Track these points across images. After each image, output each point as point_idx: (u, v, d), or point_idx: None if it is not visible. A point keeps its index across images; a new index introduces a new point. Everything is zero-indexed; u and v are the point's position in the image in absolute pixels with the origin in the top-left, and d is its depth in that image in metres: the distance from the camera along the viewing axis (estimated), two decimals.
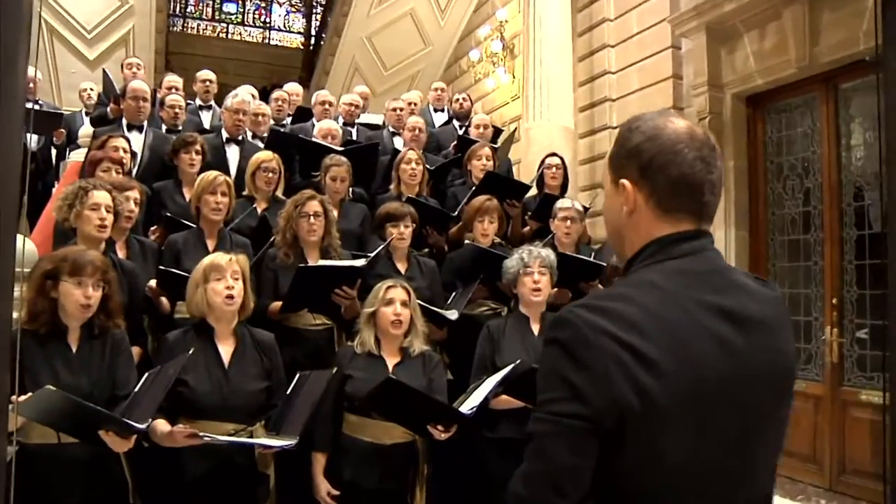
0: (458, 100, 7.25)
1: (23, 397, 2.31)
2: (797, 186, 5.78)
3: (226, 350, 2.96)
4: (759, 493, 1.25)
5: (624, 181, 1.28)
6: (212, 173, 4.02)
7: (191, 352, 2.70)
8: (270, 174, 4.58)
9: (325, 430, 3.09)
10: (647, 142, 1.25)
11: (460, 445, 3.26)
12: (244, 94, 5.60)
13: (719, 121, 6.21)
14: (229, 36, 16.21)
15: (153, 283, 3.56)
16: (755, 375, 1.19)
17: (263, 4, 16.56)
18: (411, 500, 3.08)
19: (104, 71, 6.75)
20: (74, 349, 2.68)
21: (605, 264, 4.12)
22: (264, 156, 4.65)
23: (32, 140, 6.48)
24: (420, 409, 2.87)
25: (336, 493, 3.03)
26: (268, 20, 16.57)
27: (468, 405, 2.91)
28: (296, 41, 16.56)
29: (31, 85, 6.68)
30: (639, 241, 1.29)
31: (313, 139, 5.49)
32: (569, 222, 4.47)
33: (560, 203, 4.63)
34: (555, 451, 1.12)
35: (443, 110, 7.49)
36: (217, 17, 16.12)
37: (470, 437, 3.30)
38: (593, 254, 4.61)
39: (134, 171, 4.81)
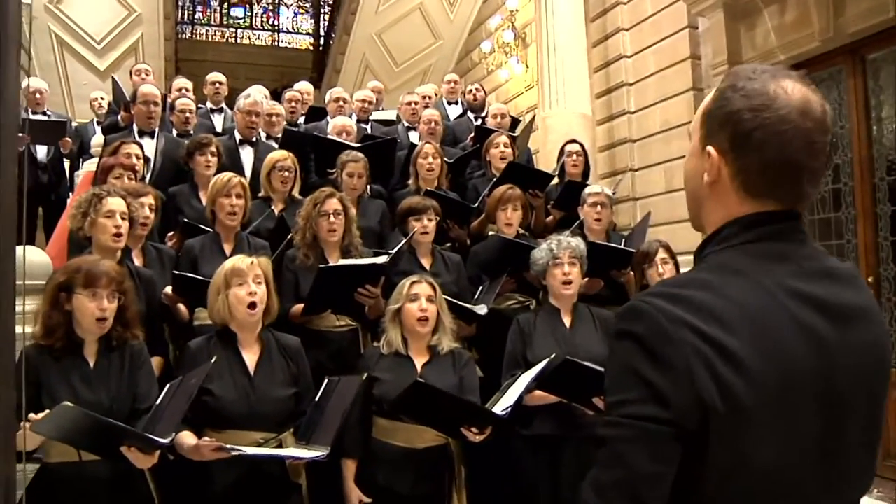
0: (471, 91, 7.12)
1: (40, 415, 2.21)
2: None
3: (250, 357, 2.85)
4: (852, 499, 1.12)
5: (711, 148, 1.12)
6: (225, 175, 3.91)
7: (213, 360, 2.59)
8: (286, 173, 4.48)
9: (354, 436, 2.98)
10: (748, 111, 1.08)
11: (493, 444, 3.14)
12: (256, 95, 5.50)
13: None
14: (238, 41, 16.16)
15: (169, 289, 3.46)
16: (851, 373, 1.06)
17: (271, 7, 16.50)
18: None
19: (113, 79, 6.70)
20: (92, 363, 2.58)
21: (635, 251, 3.99)
22: (279, 155, 4.55)
23: (41, 151, 6.45)
24: (451, 412, 2.76)
25: (368, 500, 2.92)
26: (276, 23, 16.50)
27: (502, 405, 2.79)
28: (305, 42, 16.49)
29: (39, 96, 6.67)
30: (718, 218, 1.15)
31: (328, 136, 5.39)
32: (599, 208, 4.35)
33: (589, 189, 4.51)
34: (634, 458, 1.00)
35: (457, 103, 7.37)
36: (225, 23, 16.08)
37: (503, 435, 3.19)
38: (623, 240, 4.48)
39: (147, 177, 4.73)
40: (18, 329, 2.94)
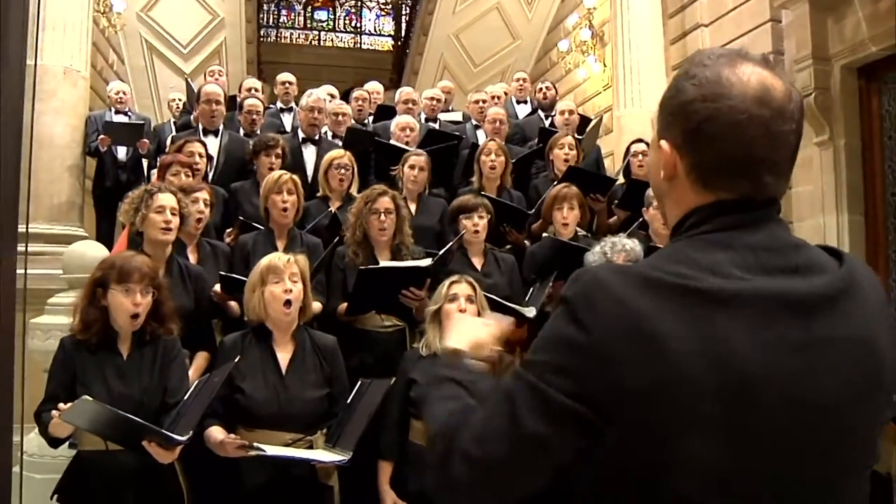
0: (541, 89, 6.97)
1: (67, 405, 2.25)
2: None
3: (284, 356, 2.82)
4: None
5: (664, 143, 1.04)
6: (277, 173, 3.94)
7: (237, 360, 2.58)
8: (343, 171, 4.47)
9: (391, 438, 2.92)
10: (700, 101, 0.99)
11: None
12: (319, 93, 5.53)
13: (827, 96, 5.67)
14: (321, 43, 16.43)
15: (217, 288, 3.48)
16: (827, 374, 0.93)
17: (354, 10, 16.71)
18: None
19: (187, 80, 6.90)
20: (125, 356, 2.60)
21: None
22: (336, 153, 4.55)
23: (121, 151, 6.69)
24: None
25: None
26: (358, 25, 16.71)
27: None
28: (387, 44, 16.64)
29: (123, 97, 6.92)
30: (679, 210, 1.06)
31: (391, 141, 5.37)
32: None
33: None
34: (527, 419, 0.95)
35: (526, 101, 7.26)
36: (309, 26, 16.38)
37: None
38: None
39: (210, 175, 4.80)
40: (66, 320, 3.01)
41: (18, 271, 1.53)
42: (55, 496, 2.57)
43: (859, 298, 0.98)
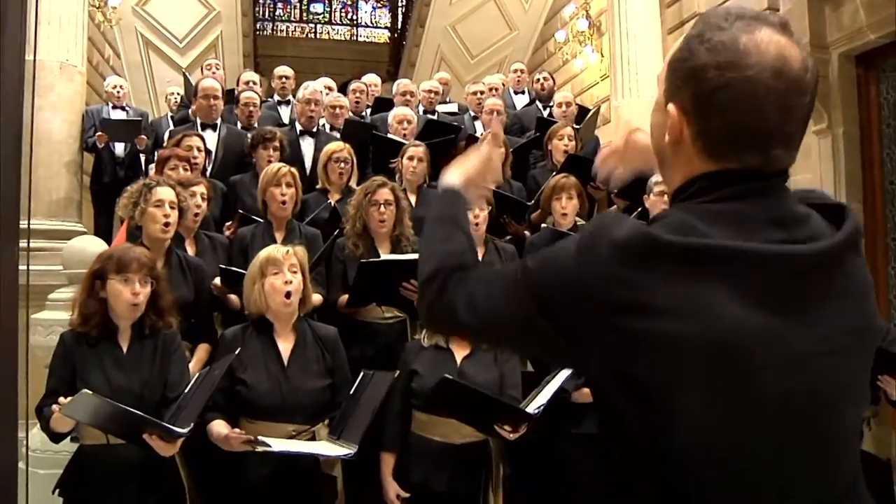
0: (538, 80, 6.97)
1: (67, 399, 2.25)
2: None
3: (285, 347, 2.83)
4: (843, 472, 0.99)
5: (671, 107, 1.00)
6: (275, 165, 3.94)
7: (237, 352, 2.59)
8: (342, 164, 4.47)
9: (393, 429, 2.92)
10: (714, 67, 0.94)
11: (541, 443, 3.03)
12: (316, 85, 5.52)
13: (825, 84, 5.65)
14: (318, 36, 16.35)
15: (217, 281, 3.48)
16: (819, 341, 0.93)
17: (350, 2, 16.64)
18: (485, 502, 2.87)
19: (184, 74, 6.88)
20: (125, 349, 2.60)
21: None
22: (335, 146, 4.54)
23: (118, 147, 6.68)
24: (483, 409, 2.66)
25: (406, 495, 2.85)
26: (355, 17, 16.62)
27: (535, 403, 2.67)
28: (383, 36, 16.57)
29: (119, 91, 6.91)
30: (681, 175, 1.04)
31: (389, 133, 5.37)
32: (666, 197, 4.13)
33: (656, 177, 4.30)
34: (512, 308, 1.05)
35: (523, 92, 7.25)
36: (305, 18, 16.31)
37: (551, 434, 3.07)
38: None
39: (209, 169, 4.80)
40: (66, 315, 3.01)
41: (21, 267, 1.53)
42: (57, 490, 2.57)
43: (854, 260, 0.99)
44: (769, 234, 0.94)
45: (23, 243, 1.58)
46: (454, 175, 1.34)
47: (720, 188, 0.98)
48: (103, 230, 6.41)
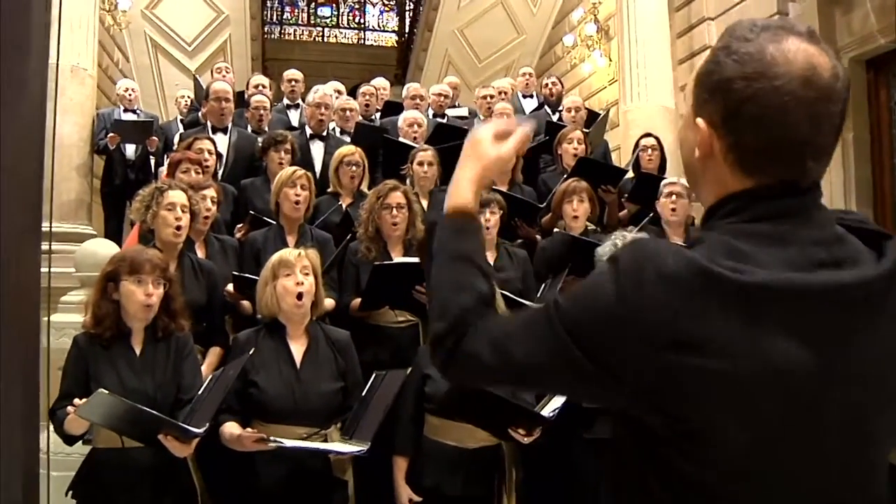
0: (547, 84, 6.97)
1: (83, 400, 2.26)
2: None
3: (298, 350, 2.83)
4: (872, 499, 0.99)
5: (700, 121, 0.99)
6: (290, 168, 3.95)
7: (251, 352, 2.59)
8: (354, 168, 4.47)
9: (406, 433, 2.91)
10: (741, 79, 0.93)
11: (553, 447, 3.02)
12: (326, 89, 5.54)
13: None
14: (325, 39, 16.42)
15: (230, 287, 3.49)
16: (864, 364, 0.92)
17: (357, 6, 16.69)
18: None
19: (195, 77, 6.90)
20: (138, 352, 2.61)
21: None
22: (347, 150, 4.55)
23: (129, 149, 6.70)
24: (497, 412, 2.65)
25: (418, 499, 2.85)
26: (362, 21, 16.68)
27: (550, 407, 2.67)
28: (391, 39, 16.61)
29: (131, 94, 6.94)
30: (714, 192, 1.02)
31: (399, 136, 5.37)
32: (674, 197, 4.12)
33: (666, 179, 4.31)
34: (537, 355, 1.00)
35: (532, 96, 7.25)
36: (313, 22, 16.37)
37: (563, 438, 3.06)
38: None
39: (220, 173, 4.81)
40: (78, 318, 3.02)
41: (43, 270, 1.54)
42: (69, 493, 2.58)
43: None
44: (811, 254, 0.93)
45: (44, 245, 1.59)
46: (465, 187, 1.20)
47: (756, 206, 0.96)
48: (113, 233, 6.44)
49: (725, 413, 0.90)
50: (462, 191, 1.20)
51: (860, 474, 0.97)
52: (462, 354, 1.06)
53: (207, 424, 2.35)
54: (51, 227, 1.84)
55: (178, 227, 3.23)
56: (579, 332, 0.95)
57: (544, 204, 4.60)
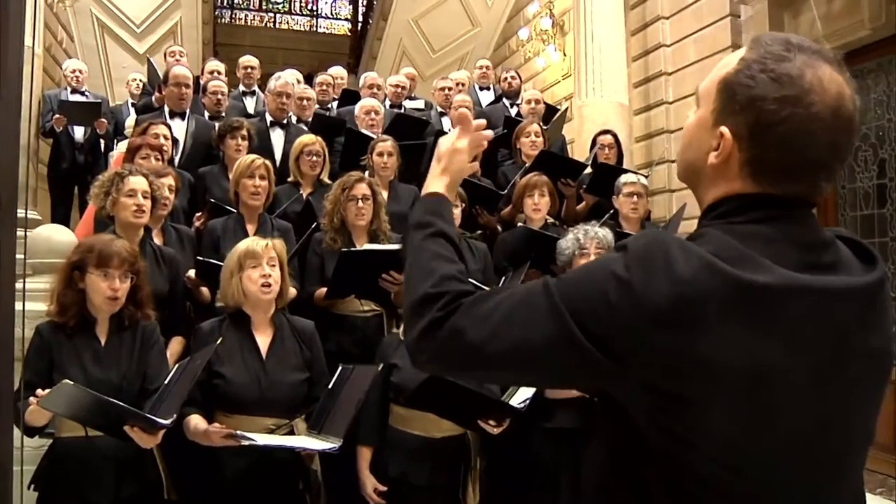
0: (505, 78, 7.01)
1: (46, 391, 2.20)
2: (870, 158, 5.40)
3: (263, 340, 2.81)
4: (846, 492, 1.04)
5: (725, 130, 1.01)
6: (249, 157, 3.90)
7: (219, 342, 2.55)
8: (315, 158, 4.45)
9: (371, 423, 2.92)
10: (778, 101, 0.95)
11: (514, 437, 3.07)
12: (287, 77, 5.47)
13: None
14: (277, 25, 16.21)
15: (192, 273, 3.44)
16: (846, 366, 0.98)
17: None
18: (464, 496, 2.90)
19: (149, 60, 6.74)
20: (103, 342, 2.56)
21: None
22: (307, 139, 4.52)
23: (78, 132, 6.52)
24: (468, 404, 2.68)
25: (383, 488, 2.87)
26: (315, 8, 16.51)
27: (519, 397, 2.71)
28: (343, 28, 16.48)
29: (79, 75, 6.74)
30: (717, 192, 1.06)
31: (357, 124, 5.36)
32: (635, 198, 4.22)
33: (624, 178, 4.38)
34: (536, 336, 0.98)
35: (489, 88, 7.30)
36: (264, 7, 16.13)
37: (523, 428, 3.11)
38: None
39: (177, 159, 4.73)
40: (30, 306, 2.94)
41: (18, 256, 1.50)
42: (31, 486, 2.52)
43: (885, 298, 1.03)
44: (800, 257, 0.98)
45: (20, 232, 1.56)
46: (437, 181, 1.26)
47: (757, 209, 1.01)
48: (61, 219, 6.26)
49: (716, 404, 0.94)
50: (433, 185, 1.26)
51: (844, 471, 1.02)
52: (443, 327, 1.04)
53: (175, 416, 2.31)
54: (27, 213, 1.79)
55: (140, 214, 3.17)
56: (583, 314, 0.96)
57: (505, 192, 4.65)
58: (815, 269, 0.97)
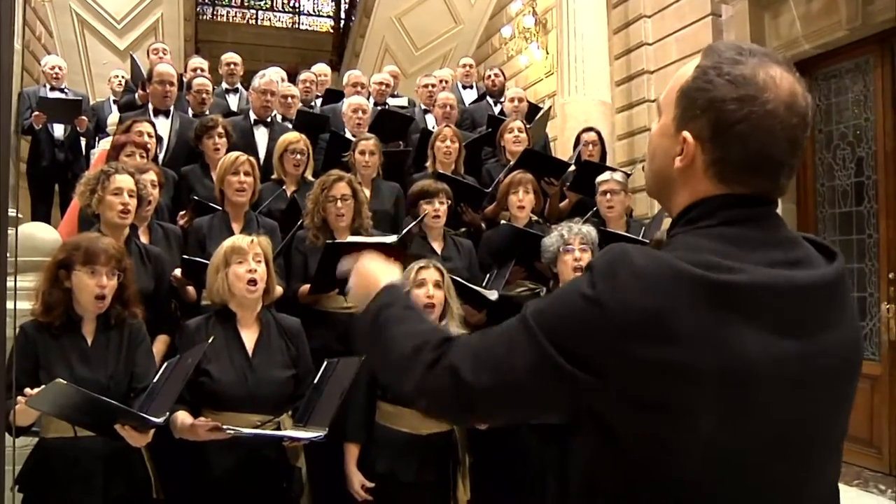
0: (489, 76, 7.04)
1: (35, 390, 2.19)
2: (848, 156, 5.48)
3: (249, 337, 2.82)
4: (824, 485, 1.08)
5: (687, 134, 1.05)
6: (233, 154, 3.89)
7: (211, 340, 2.56)
8: (298, 156, 4.46)
9: (358, 420, 2.94)
10: (735, 101, 1.00)
11: (501, 433, 3.10)
12: (272, 75, 5.46)
13: None
14: (259, 22, 16.12)
15: (178, 272, 3.44)
16: (816, 357, 1.00)
17: None
18: (453, 492, 2.92)
19: (132, 57, 6.69)
20: (90, 341, 2.55)
21: (649, 241, 3.91)
22: (291, 137, 4.52)
23: (58, 129, 6.46)
24: None
25: (370, 485, 2.88)
26: (297, 5, 16.43)
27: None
28: (325, 25, 16.43)
29: (58, 72, 6.68)
30: (686, 198, 1.09)
31: (343, 126, 5.38)
32: (609, 195, 4.26)
33: (600, 177, 4.42)
34: (519, 368, 1.02)
35: (472, 87, 7.32)
36: (246, 4, 16.04)
37: (511, 424, 3.14)
38: (644, 229, 4.40)
39: (161, 157, 4.71)
40: (15, 305, 2.92)
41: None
42: (16, 486, 2.50)
43: (846, 291, 1.07)
44: (769, 254, 1.01)
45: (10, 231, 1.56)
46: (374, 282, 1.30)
47: (725, 211, 1.04)
48: (42, 217, 6.21)
49: (696, 408, 0.96)
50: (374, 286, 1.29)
51: (823, 466, 1.06)
52: (436, 370, 1.07)
53: (167, 414, 2.32)
54: (17, 211, 1.79)
55: (125, 212, 3.15)
56: (559, 336, 1.00)
57: (489, 189, 4.68)
58: (784, 266, 1.01)
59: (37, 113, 6.26)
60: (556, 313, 1.02)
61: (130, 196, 3.18)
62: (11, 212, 5.02)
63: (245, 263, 2.80)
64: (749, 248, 1.01)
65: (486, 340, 1.07)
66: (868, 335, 5.10)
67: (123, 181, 3.17)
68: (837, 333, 1.03)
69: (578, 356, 0.98)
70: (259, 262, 2.83)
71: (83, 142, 6.63)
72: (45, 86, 6.85)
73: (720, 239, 1.01)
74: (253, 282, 2.79)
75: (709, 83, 1.03)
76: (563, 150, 6.60)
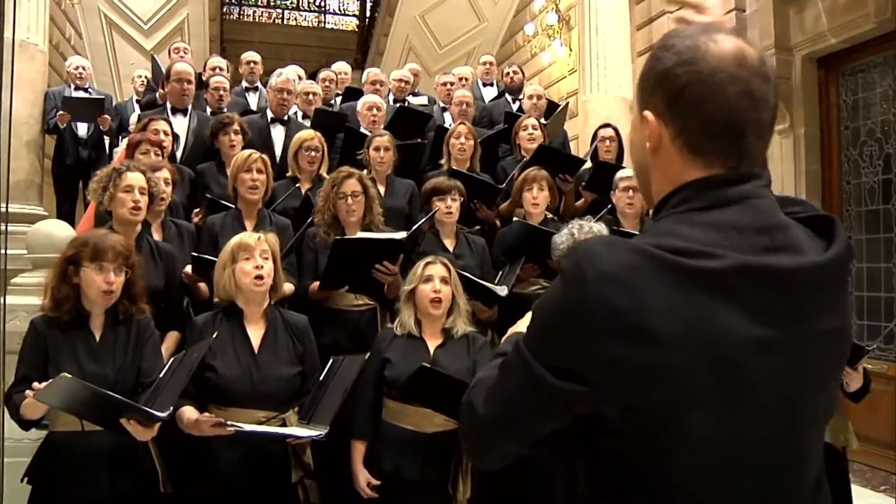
0: (508, 73, 6.99)
1: (43, 384, 2.23)
2: (875, 153, 5.37)
3: (256, 334, 2.82)
4: (811, 475, 1.06)
5: (648, 113, 1.05)
6: (245, 152, 3.90)
7: (215, 335, 2.57)
8: (313, 153, 4.46)
9: (364, 418, 2.94)
10: (679, 66, 1.01)
11: None
12: (289, 73, 5.47)
13: (788, 85, 5.82)
14: (285, 22, 16.22)
15: (189, 269, 3.46)
16: (803, 344, 0.98)
17: None
18: (454, 490, 2.90)
19: (153, 57, 6.77)
20: (98, 336, 2.58)
21: None
22: (306, 135, 4.52)
23: (82, 128, 6.55)
24: (459, 397, 2.68)
25: (376, 482, 2.87)
26: (323, 4, 16.50)
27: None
28: (351, 24, 16.48)
29: (82, 72, 6.78)
30: (667, 185, 1.07)
31: (358, 119, 5.38)
32: (631, 192, 4.19)
33: (621, 173, 4.36)
34: (521, 401, 1.04)
35: (492, 84, 7.27)
36: (273, 4, 16.14)
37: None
38: None
39: (178, 155, 4.75)
40: (30, 300, 2.96)
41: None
42: (25, 478, 2.54)
43: (840, 278, 1.04)
44: (752, 240, 0.98)
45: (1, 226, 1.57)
46: None
47: (702, 195, 1.02)
48: (66, 214, 6.30)
49: (685, 402, 0.94)
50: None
51: (797, 453, 1.03)
52: (463, 406, 1.12)
53: (172, 408, 2.33)
54: (6, 207, 1.81)
55: (136, 210, 3.18)
56: (542, 353, 1.00)
57: (503, 185, 4.65)
58: (767, 252, 0.98)
59: (61, 112, 6.35)
60: (538, 329, 1.03)
61: (141, 193, 3.21)
62: (38, 209, 5.11)
63: (252, 260, 2.81)
64: (731, 232, 0.98)
65: (498, 373, 1.09)
66: (895, 337, 4.99)
67: (134, 178, 3.20)
68: (824, 321, 1.00)
69: (562, 368, 0.98)
70: (266, 258, 2.84)
71: (107, 140, 6.71)
72: (69, 85, 6.95)
73: (700, 224, 0.99)
74: (259, 277, 2.79)
75: (657, 60, 1.05)
76: (583, 148, 6.54)
